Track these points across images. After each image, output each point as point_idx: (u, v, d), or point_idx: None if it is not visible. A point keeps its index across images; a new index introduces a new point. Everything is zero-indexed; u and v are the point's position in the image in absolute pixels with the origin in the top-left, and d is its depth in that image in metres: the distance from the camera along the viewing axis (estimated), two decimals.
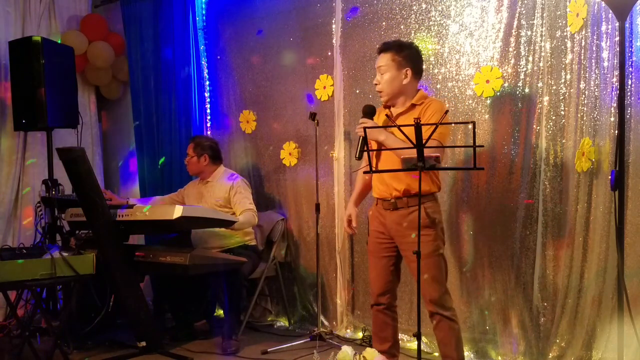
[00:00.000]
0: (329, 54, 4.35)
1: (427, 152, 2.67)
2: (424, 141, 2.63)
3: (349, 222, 3.32)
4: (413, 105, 3.08)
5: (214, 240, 4.23)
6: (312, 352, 3.66)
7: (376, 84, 3.14)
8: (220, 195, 4.32)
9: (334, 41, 4.32)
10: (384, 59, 3.10)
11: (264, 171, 4.79)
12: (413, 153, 2.68)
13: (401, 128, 2.72)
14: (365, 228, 4.11)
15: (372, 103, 4.04)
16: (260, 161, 4.82)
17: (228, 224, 3.98)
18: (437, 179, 3.11)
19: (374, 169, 2.98)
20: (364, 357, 3.41)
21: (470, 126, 2.69)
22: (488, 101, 3.62)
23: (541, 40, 3.41)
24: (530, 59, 3.47)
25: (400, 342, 3.55)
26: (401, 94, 3.10)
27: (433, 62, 3.81)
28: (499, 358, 3.60)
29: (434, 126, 2.71)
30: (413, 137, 2.64)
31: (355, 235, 4.24)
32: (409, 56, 3.09)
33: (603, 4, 2.96)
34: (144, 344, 3.93)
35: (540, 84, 3.44)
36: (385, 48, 3.12)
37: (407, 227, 3.00)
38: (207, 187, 4.44)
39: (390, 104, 3.15)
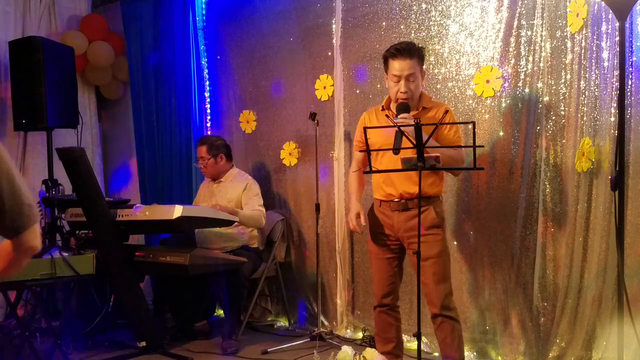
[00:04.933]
0: (329, 54, 4.35)
1: (427, 152, 2.69)
2: (449, 144, 2.71)
3: (358, 217, 3.14)
4: (424, 109, 3.05)
5: (218, 241, 4.23)
6: (312, 352, 3.66)
7: (404, 92, 2.97)
8: (234, 196, 4.30)
9: (334, 41, 4.32)
10: (412, 66, 2.96)
11: (264, 171, 4.79)
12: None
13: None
14: (365, 228, 4.13)
15: (372, 103, 4.09)
16: (260, 161, 4.81)
17: (228, 223, 3.98)
18: (443, 181, 3.15)
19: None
20: (364, 357, 3.41)
21: (470, 126, 2.69)
22: (488, 101, 3.62)
23: (541, 40, 3.41)
24: (530, 59, 3.46)
25: None
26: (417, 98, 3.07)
27: (433, 62, 3.80)
28: (499, 358, 3.60)
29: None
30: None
31: (355, 235, 4.24)
32: (423, 58, 3.07)
33: (603, 4, 2.96)
34: (144, 344, 3.94)
35: (540, 84, 3.44)
36: (410, 54, 2.95)
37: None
38: (219, 187, 4.41)
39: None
